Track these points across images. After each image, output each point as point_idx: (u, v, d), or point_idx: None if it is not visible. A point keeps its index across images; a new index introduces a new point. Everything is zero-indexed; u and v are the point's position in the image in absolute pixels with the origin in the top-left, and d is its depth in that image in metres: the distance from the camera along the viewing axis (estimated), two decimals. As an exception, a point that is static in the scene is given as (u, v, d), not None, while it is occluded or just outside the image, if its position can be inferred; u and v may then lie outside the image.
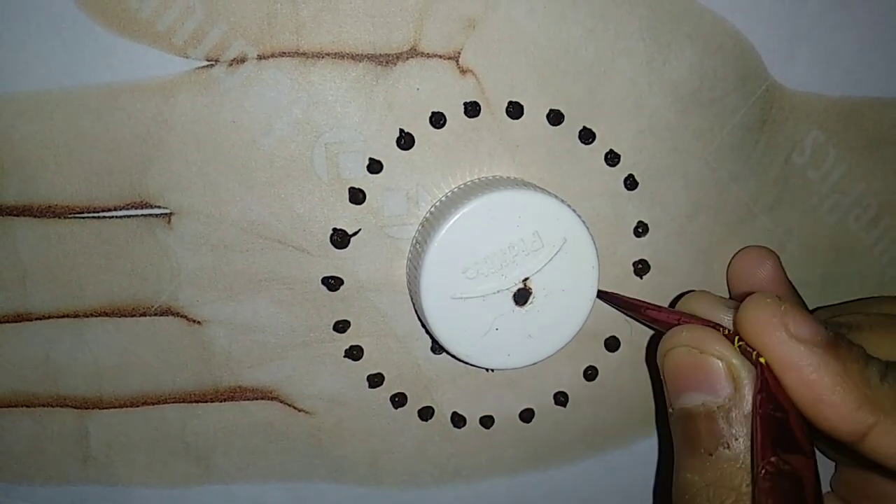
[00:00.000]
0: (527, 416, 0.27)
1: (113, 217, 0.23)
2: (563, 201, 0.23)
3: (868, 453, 0.19)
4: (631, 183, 0.25)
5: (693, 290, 0.24)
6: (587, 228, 0.23)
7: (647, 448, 0.29)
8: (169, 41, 0.22)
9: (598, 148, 0.25)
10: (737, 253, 0.26)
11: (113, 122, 0.22)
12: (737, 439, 0.19)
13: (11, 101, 0.22)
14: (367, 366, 0.26)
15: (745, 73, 0.25)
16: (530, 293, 0.23)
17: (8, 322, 0.24)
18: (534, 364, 0.24)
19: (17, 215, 0.23)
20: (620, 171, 0.25)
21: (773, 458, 0.17)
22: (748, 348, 0.20)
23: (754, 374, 0.19)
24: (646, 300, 0.25)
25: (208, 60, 0.22)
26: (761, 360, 0.19)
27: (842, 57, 0.26)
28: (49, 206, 0.23)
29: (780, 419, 0.18)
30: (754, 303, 0.19)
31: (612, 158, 0.25)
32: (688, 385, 0.20)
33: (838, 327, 0.21)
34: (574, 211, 0.23)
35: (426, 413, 0.27)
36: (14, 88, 0.22)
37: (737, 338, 0.20)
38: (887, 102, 0.27)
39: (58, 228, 0.23)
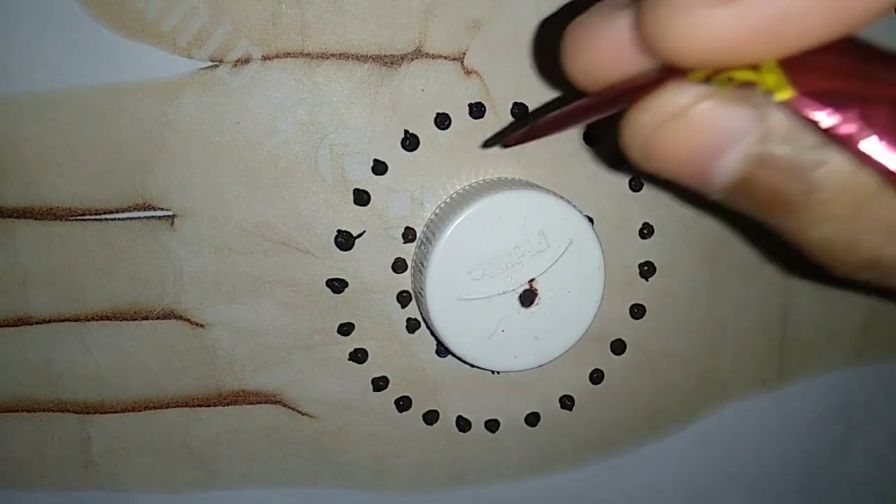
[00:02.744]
0: (532, 419, 0.27)
1: (115, 219, 0.23)
2: (568, 202, 0.22)
3: None
4: (636, 184, 0.25)
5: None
6: (593, 229, 0.23)
7: (654, 452, 0.29)
8: (173, 42, 0.22)
9: (604, 149, 0.25)
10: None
11: (116, 124, 0.22)
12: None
13: (14, 101, 0.22)
14: (371, 369, 0.26)
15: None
16: (536, 294, 0.23)
17: (9, 326, 0.24)
18: (540, 366, 0.24)
19: (19, 217, 0.23)
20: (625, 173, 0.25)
21: None
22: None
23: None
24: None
25: (213, 61, 0.22)
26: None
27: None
28: (50, 209, 0.23)
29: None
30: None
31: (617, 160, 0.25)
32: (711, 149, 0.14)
33: None
34: (580, 212, 0.22)
35: (431, 417, 0.26)
36: (17, 89, 0.22)
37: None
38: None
39: (59, 231, 0.23)
